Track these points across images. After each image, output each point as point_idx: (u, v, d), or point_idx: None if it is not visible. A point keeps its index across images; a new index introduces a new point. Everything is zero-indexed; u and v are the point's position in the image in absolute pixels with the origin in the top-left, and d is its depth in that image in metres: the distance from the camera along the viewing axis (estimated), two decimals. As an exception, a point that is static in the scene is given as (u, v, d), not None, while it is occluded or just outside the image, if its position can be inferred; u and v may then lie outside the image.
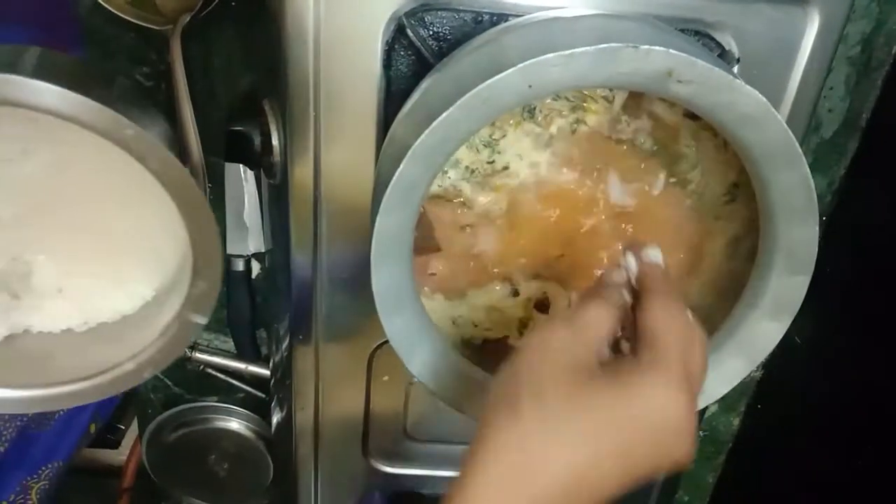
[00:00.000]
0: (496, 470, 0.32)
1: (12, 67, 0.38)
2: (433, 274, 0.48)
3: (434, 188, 0.46)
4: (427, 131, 0.35)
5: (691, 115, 0.44)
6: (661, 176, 0.46)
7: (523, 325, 0.51)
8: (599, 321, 0.35)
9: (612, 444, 0.32)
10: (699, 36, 0.44)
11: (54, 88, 0.38)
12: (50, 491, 0.70)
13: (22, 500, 0.66)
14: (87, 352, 0.51)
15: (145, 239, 0.49)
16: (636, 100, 0.43)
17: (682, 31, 0.44)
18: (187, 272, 0.44)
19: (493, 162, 0.45)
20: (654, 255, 0.38)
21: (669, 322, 0.34)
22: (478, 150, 0.45)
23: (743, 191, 0.46)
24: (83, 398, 0.49)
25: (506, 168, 0.45)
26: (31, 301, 0.52)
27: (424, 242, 0.47)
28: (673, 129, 0.44)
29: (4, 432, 0.66)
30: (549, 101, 0.43)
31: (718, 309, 0.48)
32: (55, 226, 0.50)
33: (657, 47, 0.34)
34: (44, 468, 0.70)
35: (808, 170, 0.37)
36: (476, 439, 0.34)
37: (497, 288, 0.49)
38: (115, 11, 0.53)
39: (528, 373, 0.34)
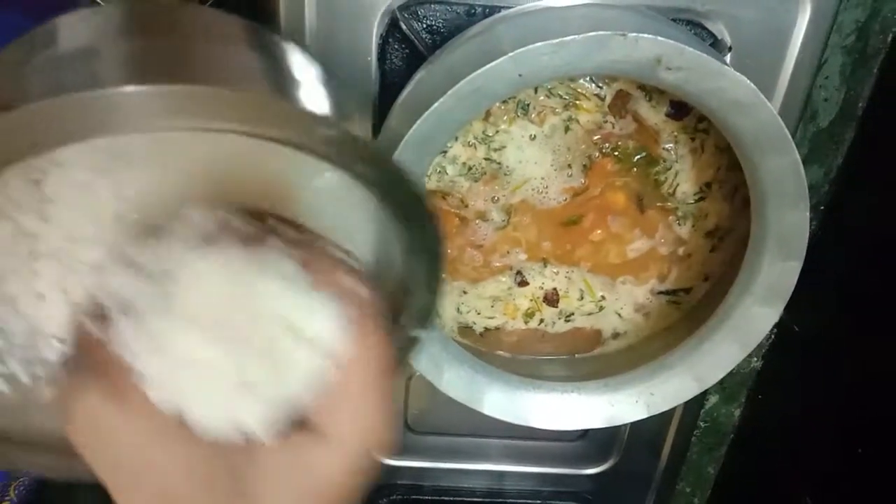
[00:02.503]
0: None
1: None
2: None
3: (433, 184, 0.46)
4: (420, 120, 0.36)
5: (673, 116, 0.44)
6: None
7: (529, 316, 0.51)
8: None
9: None
10: (691, 25, 0.44)
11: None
12: (31, 487, 0.66)
13: None
14: None
15: None
16: (622, 100, 0.44)
17: (674, 20, 0.44)
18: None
19: (489, 159, 0.45)
20: None
21: None
22: (475, 148, 0.45)
23: (716, 188, 0.46)
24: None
25: (501, 164, 0.45)
26: None
27: None
28: (654, 132, 0.45)
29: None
30: (542, 98, 0.44)
31: (712, 296, 0.48)
32: None
33: (646, 35, 0.34)
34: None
35: (797, 155, 0.37)
36: None
37: (503, 279, 0.50)
38: (114, 10, 0.53)
39: None
